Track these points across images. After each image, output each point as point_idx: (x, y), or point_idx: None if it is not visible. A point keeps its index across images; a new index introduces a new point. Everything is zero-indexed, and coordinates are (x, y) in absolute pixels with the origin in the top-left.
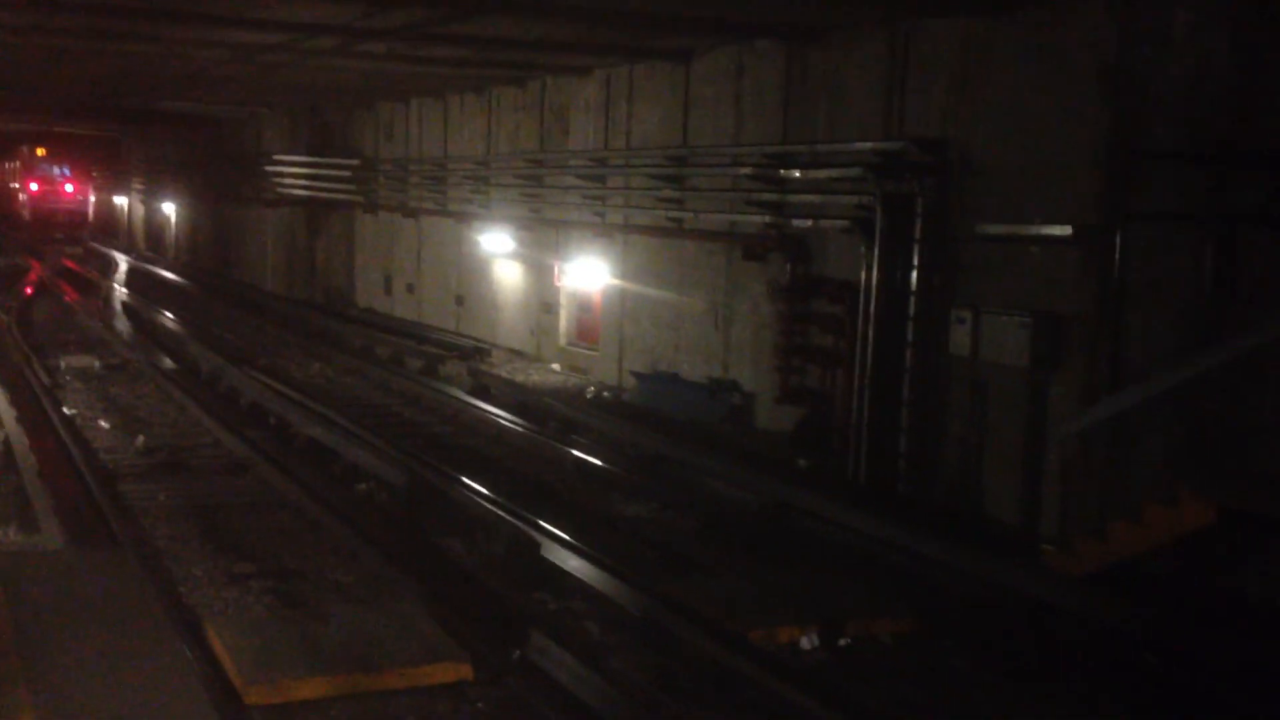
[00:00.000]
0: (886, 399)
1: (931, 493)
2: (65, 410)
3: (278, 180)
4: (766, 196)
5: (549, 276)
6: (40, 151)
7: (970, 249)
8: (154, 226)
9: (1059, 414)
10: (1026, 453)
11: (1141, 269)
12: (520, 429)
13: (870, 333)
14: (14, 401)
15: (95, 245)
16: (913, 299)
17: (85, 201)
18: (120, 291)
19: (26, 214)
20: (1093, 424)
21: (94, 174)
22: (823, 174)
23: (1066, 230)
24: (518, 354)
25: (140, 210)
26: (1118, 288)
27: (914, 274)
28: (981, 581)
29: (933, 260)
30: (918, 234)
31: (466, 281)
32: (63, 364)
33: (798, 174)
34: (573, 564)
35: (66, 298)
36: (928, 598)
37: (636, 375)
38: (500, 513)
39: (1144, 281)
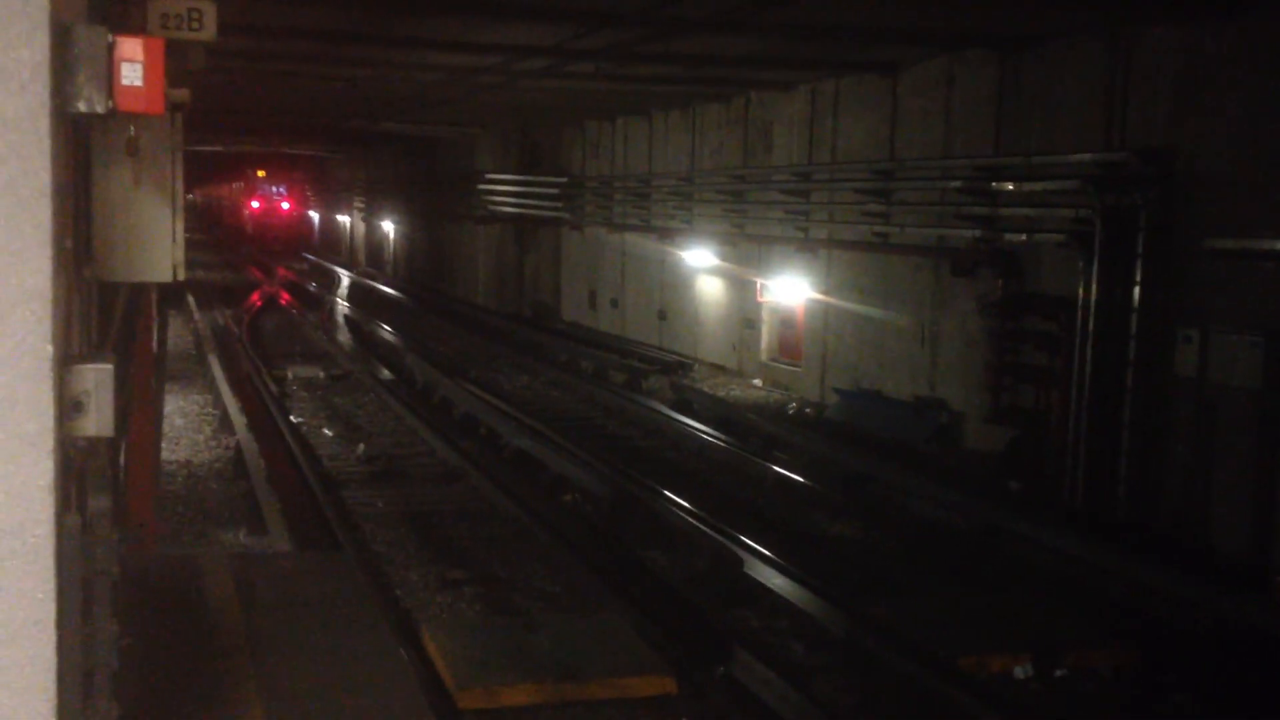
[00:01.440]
0: (1105, 420)
1: (1153, 519)
2: (292, 418)
3: (489, 198)
4: (977, 210)
5: (751, 292)
6: (260, 173)
7: (1197, 264)
8: (373, 243)
9: None
10: (1258, 479)
11: None
12: (722, 444)
13: (1088, 351)
14: (245, 409)
15: (318, 260)
16: (1134, 316)
17: (300, 217)
18: (342, 305)
19: (249, 228)
20: None
21: (311, 192)
22: (1037, 186)
23: None
24: (719, 369)
25: (361, 228)
26: None
27: (1136, 290)
28: (1208, 613)
29: (1156, 276)
30: (1140, 248)
31: (669, 296)
32: (289, 374)
33: (1010, 187)
34: (776, 582)
35: (292, 310)
36: (1149, 629)
37: (839, 392)
38: (702, 527)
39: None
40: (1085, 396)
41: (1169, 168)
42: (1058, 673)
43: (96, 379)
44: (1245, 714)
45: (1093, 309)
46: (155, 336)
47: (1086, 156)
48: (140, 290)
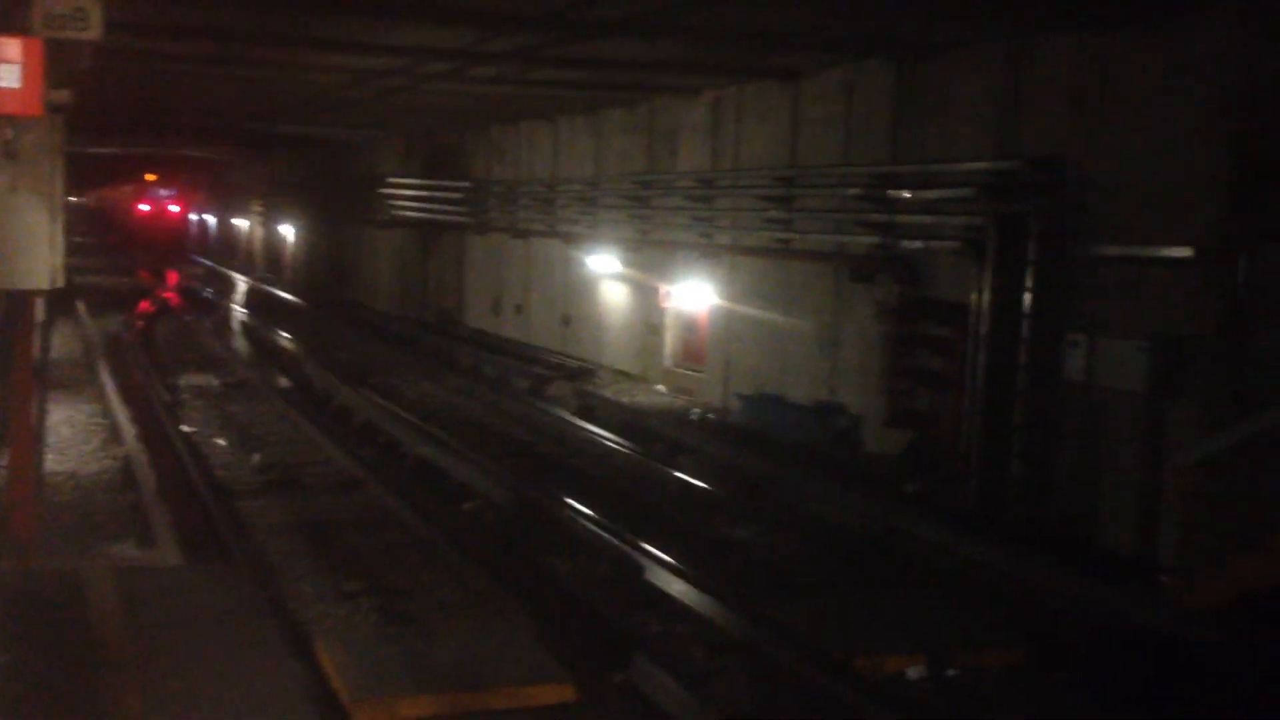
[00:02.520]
0: (998, 423)
1: (1044, 519)
2: (184, 428)
3: (391, 202)
4: (875, 217)
5: (655, 297)
6: (150, 177)
7: (1086, 270)
8: (272, 247)
9: (1179, 440)
10: (1145, 480)
11: (1266, 292)
12: (625, 450)
13: (981, 356)
14: (135, 419)
15: (214, 265)
16: (1026, 321)
17: (190, 220)
18: (238, 310)
19: (138, 232)
20: (1214, 451)
21: (206, 195)
22: (933, 194)
23: (1188, 252)
24: (623, 375)
25: (259, 232)
26: (1241, 311)
27: (1027, 296)
28: (1097, 612)
29: (1047, 282)
30: (1031, 255)
31: (573, 302)
32: (183, 382)
33: (907, 194)
34: (677, 587)
35: (186, 316)
36: (1040, 628)
37: (741, 397)
38: (604, 534)
39: (1269, 305)
40: (978, 400)
41: (1060, 176)
42: (950, 672)
43: None
44: (1134, 710)
45: (985, 314)
46: (36, 344)
47: (980, 165)
48: (20, 298)
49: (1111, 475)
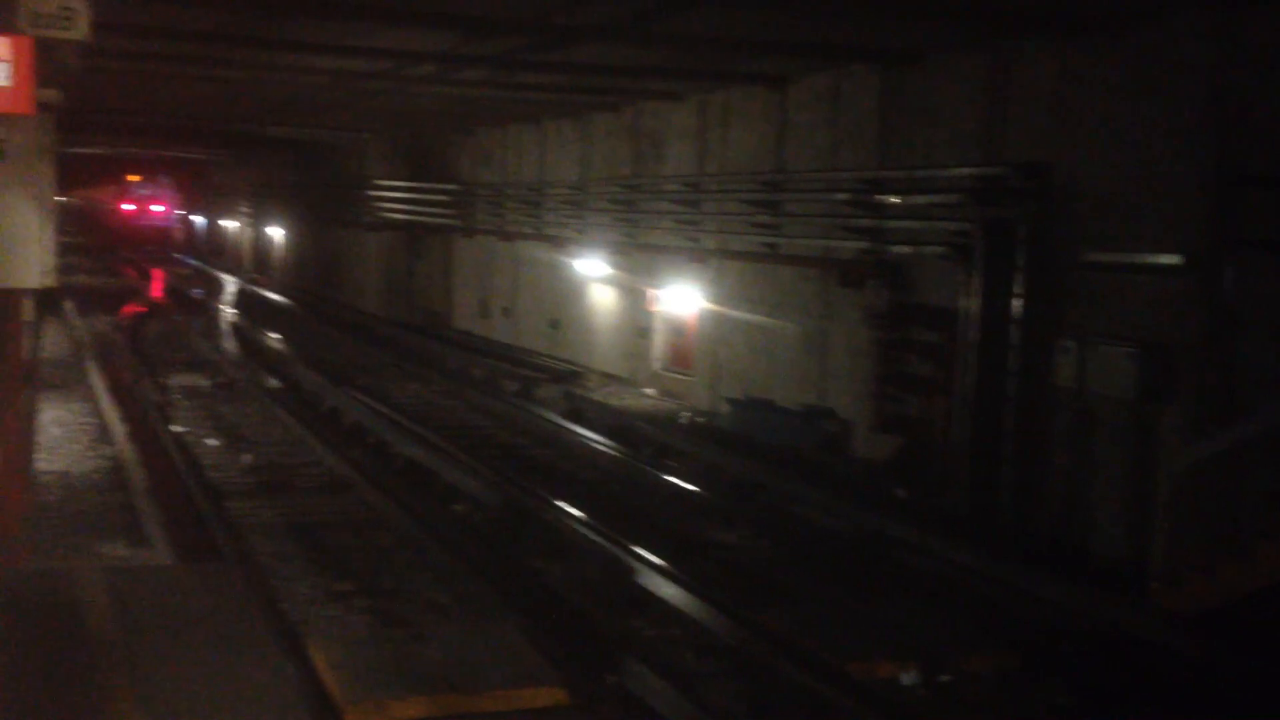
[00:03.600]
0: (988, 429)
1: (1035, 526)
2: (174, 428)
3: (378, 204)
4: (863, 222)
5: (643, 301)
6: (133, 177)
7: (1074, 276)
8: (260, 249)
9: (1168, 447)
10: (1134, 486)
11: (1252, 298)
12: (614, 453)
13: (971, 361)
14: (126, 418)
15: (202, 265)
16: (1014, 327)
17: (174, 221)
18: (227, 311)
19: (121, 230)
20: (1203, 458)
21: (194, 196)
22: (920, 199)
23: (1176, 259)
24: (612, 378)
25: (248, 232)
26: (1228, 317)
27: (1016, 301)
28: (1087, 618)
29: (1035, 288)
30: (1019, 261)
31: (561, 305)
32: (172, 382)
33: (895, 199)
34: (667, 590)
35: (175, 317)
36: (1031, 634)
37: (730, 401)
38: (595, 537)
39: (1255, 311)
40: (968, 405)
41: (1047, 182)
42: (942, 678)
43: None
44: (1123, 717)
45: (974, 320)
46: (27, 344)
47: (967, 170)
48: (10, 296)
49: (1101, 481)
